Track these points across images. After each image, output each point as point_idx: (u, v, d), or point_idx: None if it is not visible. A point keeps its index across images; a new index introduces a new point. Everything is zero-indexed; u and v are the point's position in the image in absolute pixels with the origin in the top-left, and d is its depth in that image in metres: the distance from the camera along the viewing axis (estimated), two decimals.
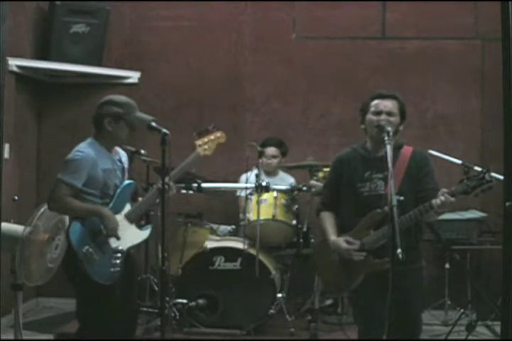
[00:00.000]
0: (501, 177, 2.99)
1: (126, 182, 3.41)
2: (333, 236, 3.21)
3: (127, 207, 3.40)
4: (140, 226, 3.47)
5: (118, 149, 3.47)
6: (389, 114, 3.14)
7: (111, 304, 3.24)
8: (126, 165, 3.50)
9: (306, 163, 4.99)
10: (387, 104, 3.15)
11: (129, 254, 3.41)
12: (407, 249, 2.69)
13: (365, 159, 3.22)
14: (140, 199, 3.49)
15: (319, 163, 4.90)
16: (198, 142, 3.56)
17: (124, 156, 3.51)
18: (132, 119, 3.35)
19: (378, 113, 3.14)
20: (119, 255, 3.29)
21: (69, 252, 3.24)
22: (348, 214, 3.24)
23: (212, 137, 3.61)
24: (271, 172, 5.35)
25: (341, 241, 3.15)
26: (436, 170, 3.25)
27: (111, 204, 3.32)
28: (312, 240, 4.80)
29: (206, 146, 3.56)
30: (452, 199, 2.88)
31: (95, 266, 3.21)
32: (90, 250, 3.21)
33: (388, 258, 2.97)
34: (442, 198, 2.88)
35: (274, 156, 5.28)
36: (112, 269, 3.26)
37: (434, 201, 2.91)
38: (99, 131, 3.36)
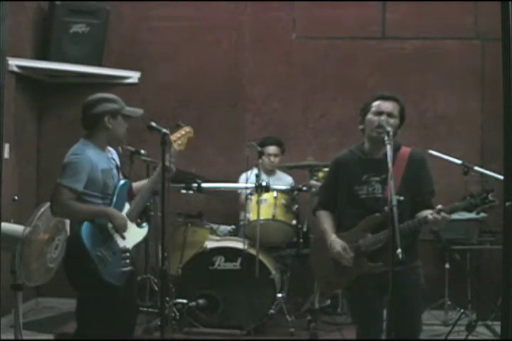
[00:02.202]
0: (501, 177, 3.00)
1: (122, 181, 3.40)
2: (332, 236, 3.21)
3: (126, 207, 3.40)
4: (138, 224, 3.47)
5: (108, 147, 3.46)
6: (389, 115, 3.14)
7: (115, 304, 3.23)
8: (118, 162, 3.50)
9: (306, 163, 4.99)
10: (389, 106, 3.16)
11: (131, 253, 3.41)
12: (404, 249, 2.70)
13: (362, 161, 3.22)
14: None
15: (319, 163, 4.90)
16: (172, 138, 3.57)
17: (114, 154, 3.50)
18: (127, 113, 3.37)
19: (379, 113, 3.14)
20: (127, 254, 3.30)
21: (80, 254, 3.17)
22: (345, 215, 3.24)
23: (183, 132, 3.64)
24: (270, 172, 5.36)
25: (338, 246, 3.16)
26: (436, 170, 3.25)
27: (112, 205, 3.31)
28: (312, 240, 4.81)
29: (180, 141, 3.59)
30: (447, 216, 2.91)
31: (108, 267, 3.19)
32: (104, 252, 3.20)
33: (382, 262, 2.99)
34: (438, 216, 2.91)
35: (275, 155, 5.30)
36: (123, 269, 3.26)
37: (429, 217, 2.93)
38: (94, 130, 3.33)
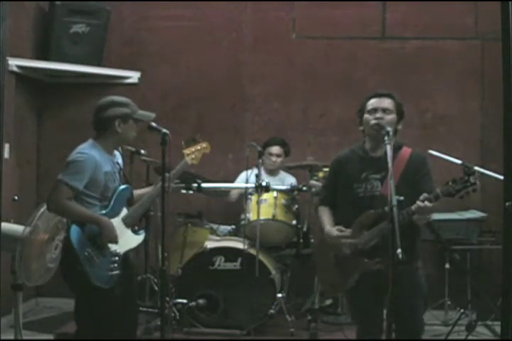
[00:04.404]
0: (501, 177, 2.99)
1: (123, 186, 3.39)
2: (327, 227, 3.23)
3: (124, 211, 3.39)
4: (134, 231, 3.46)
5: (114, 151, 3.46)
6: (384, 111, 3.14)
7: (109, 306, 3.23)
8: (122, 166, 3.50)
9: (306, 163, 4.99)
10: (382, 102, 3.16)
11: (127, 256, 3.41)
12: (404, 249, 2.69)
13: (362, 159, 3.22)
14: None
15: (319, 163, 4.90)
16: (186, 151, 3.64)
17: (119, 158, 3.50)
18: (138, 117, 3.37)
19: (374, 110, 3.14)
20: (116, 258, 3.29)
21: (69, 255, 3.21)
22: (344, 214, 3.25)
23: (198, 147, 3.71)
24: (272, 172, 5.35)
25: (333, 230, 3.17)
26: (436, 170, 3.25)
27: (109, 208, 3.30)
28: (312, 240, 4.81)
29: (193, 156, 3.65)
30: (429, 204, 2.89)
31: (95, 268, 3.19)
32: (91, 253, 3.19)
33: (379, 258, 2.99)
34: (421, 204, 2.90)
35: (278, 155, 5.29)
36: (111, 273, 3.25)
37: (413, 206, 2.93)
38: (103, 133, 3.33)
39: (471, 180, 2.85)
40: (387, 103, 3.16)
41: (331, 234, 3.18)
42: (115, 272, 3.27)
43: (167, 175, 3.29)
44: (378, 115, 3.12)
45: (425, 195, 2.92)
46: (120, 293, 3.27)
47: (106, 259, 3.25)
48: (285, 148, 5.33)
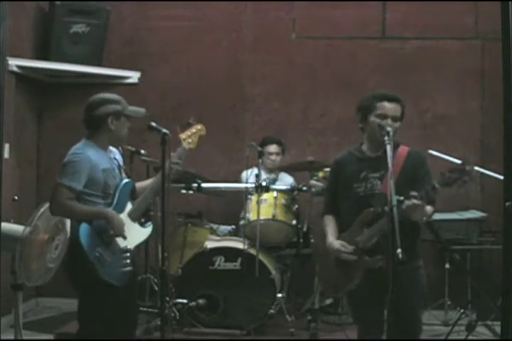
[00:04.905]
0: (501, 177, 2.99)
1: (125, 181, 3.39)
2: (330, 238, 3.23)
3: (128, 206, 3.39)
4: (141, 224, 3.47)
5: (110, 147, 3.46)
6: (394, 118, 3.13)
7: (115, 304, 3.23)
8: (121, 162, 3.49)
9: (307, 161, 4.98)
10: (394, 109, 3.13)
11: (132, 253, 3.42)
12: (404, 248, 2.69)
13: (360, 160, 3.22)
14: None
15: (319, 161, 4.89)
16: (182, 136, 3.57)
17: (117, 154, 3.49)
18: (129, 114, 3.36)
19: (384, 117, 3.12)
20: (128, 254, 3.29)
21: (78, 254, 3.18)
22: (345, 214, 3.25)
23: (194, 130, 3.64)
24: (271, 171, 5.35)
25: (336, 244, 3.17)
26: (436, 170, 3.25)
27: (113, 204, 3.30)
28: (312, 240, 4.81)
29: (190, 140, 3.58)
30: (417, 202, 2.87)
31: (107, 267, 3.19)
32: (102, 252, 3.19)
33: (380, 256, 2.99)
34: (409, 203, 2.88)
35: (277, 153, 5.31)
36: (123, 269, 3.26)
37: (403, 205, 2.90)
38: (97, 131, 3.33)
39: (466, 168, 2.85)
40: (397, 110, 3.14)
41: (332, 247, 3.18)
42: (128, 268, 3.28)
43: (167, 162, 3.26)
44: (390, 123, 3.09)
45: (413, 193, 2.91)
46: (124, 290, 3.27)
47: (116, 256, 3.25)
48: (282, 147, 5.35)
